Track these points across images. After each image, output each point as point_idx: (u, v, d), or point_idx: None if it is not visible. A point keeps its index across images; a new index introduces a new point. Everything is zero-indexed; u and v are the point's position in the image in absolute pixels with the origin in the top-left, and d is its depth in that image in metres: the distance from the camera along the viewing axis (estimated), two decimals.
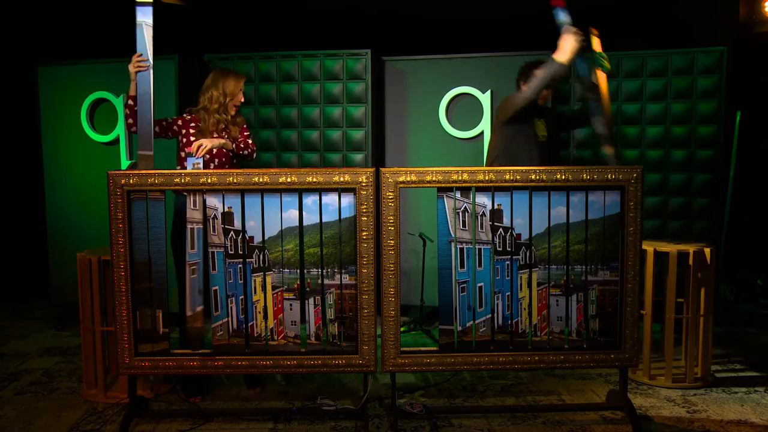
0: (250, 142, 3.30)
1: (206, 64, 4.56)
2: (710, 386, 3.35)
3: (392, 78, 4.58)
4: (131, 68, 3.07)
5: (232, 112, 3.29)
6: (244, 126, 3.37)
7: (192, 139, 3.22)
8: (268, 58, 4.56)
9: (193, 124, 3.26)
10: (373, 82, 4.47)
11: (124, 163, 4.50)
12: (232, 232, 2.84)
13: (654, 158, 4.40)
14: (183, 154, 3.24)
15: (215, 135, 3.24)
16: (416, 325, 4.42)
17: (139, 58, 3.05)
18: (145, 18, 3.03)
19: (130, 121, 3.16)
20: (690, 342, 3.36)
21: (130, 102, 3.12)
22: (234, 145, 3.21)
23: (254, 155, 3.31)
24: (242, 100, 3.31)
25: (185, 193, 2.85)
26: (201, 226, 2.84)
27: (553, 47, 4.40)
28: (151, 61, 3.05)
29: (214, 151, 3.19)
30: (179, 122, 3.28)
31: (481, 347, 2.89)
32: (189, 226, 2.84)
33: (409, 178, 2.79)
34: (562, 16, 3.17)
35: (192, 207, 2.84)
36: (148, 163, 3.04)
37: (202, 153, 3.06)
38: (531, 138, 3.43)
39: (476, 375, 3.53)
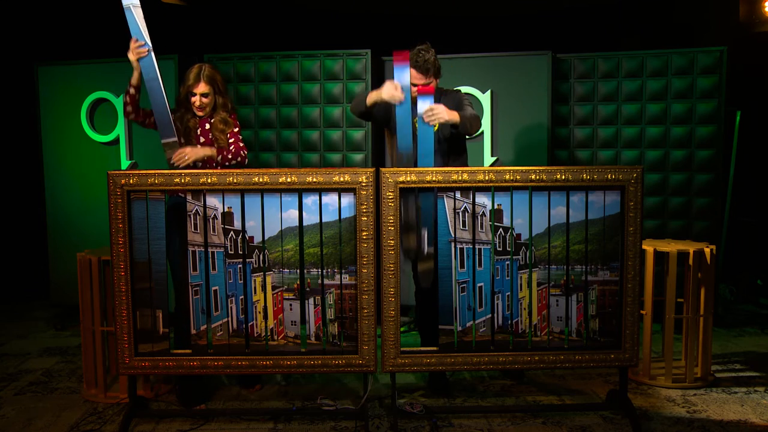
0: (241, 145, 3.17)
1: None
2: (710, 386, 3.35)
3: (392, 78, 4.57)
4: (131, 56, 2.98)
5: (197, 104, 3.15)
6: (234, 130, 3.21)
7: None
8: (268, 58, 4.56)
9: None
10: (373, 82, 4.46)
11: (124, 163, 4.51)
12: (232, 232, 2.84)
13: (654, 158, 4.40)
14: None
15: (199, 143, 3.20)
16: (416, 325, 4.42)
17: (137, 44, 2.96)
18: (131, 0, 2.92)
19: (129, 108, 3.09)
20: (690, 342, 3.36)
21: (132, 91, 3.06)
22: (220, 156, 3.10)
23: (245, 162, 3.20)
24: (198, 90, 3.12)
25: (181, 194, 2.84)
26: (202, 249, 2.85)
27: (553, 47, 4.42)
28: (150, 44, 2.95)
29: (199, 164, 3.07)
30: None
31: (481, 347, 2.89)
32: (190, 248, 2.85)
33: (409, 178, 2.79)
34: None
35: (193, 230, 2.84)
36: (174, 150, 3.01)
37: (183, 165, 3.00)
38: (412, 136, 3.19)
39: (476, 375, 3.53)
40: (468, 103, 3.28)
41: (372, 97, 3.11)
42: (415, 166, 3.02)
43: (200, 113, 3.20)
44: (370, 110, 3.18)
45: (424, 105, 2.99)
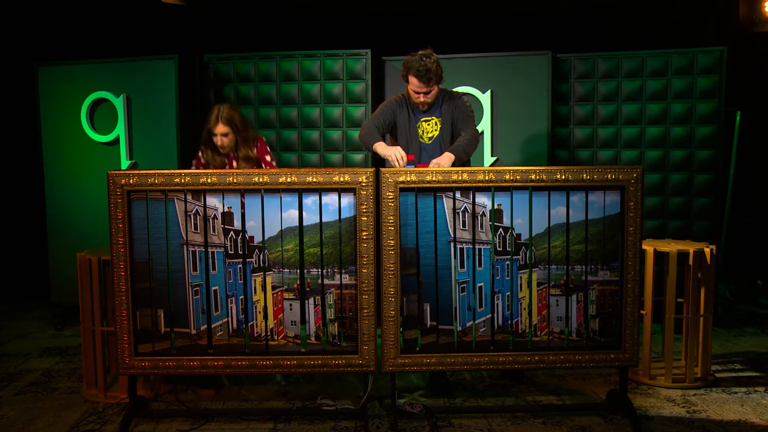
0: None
1: (206, 64, 4.57)
2: (710, 386, 3.35)
3: (392, 78, 4.57)
4: None
5: (219, 143, 3.45)
6: (266, 158, 3.55)
7: None
8: (268, 58, 4.56)
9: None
10: (373, 82, 4.47)
11: (124, 163, 4.51)
12: (232, 232, 2.84)
13: (654, 158, 4.40)
14: None
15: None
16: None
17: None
18: None
19: None
20: (690, 342, 3.36)
21: None
22: None
23: None
24: (218, 131, 3.41)
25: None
26: (203, 249, 2.85)
27: (553, 47, 4.42)
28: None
29: None
30: (202, 161, 3.58)
31: (481, 347, 2.89)
32: (191, 248, 2.85)
33: (409, 178, 2.79)
34: None
35: (193, 230, 2.84)
36: None
37: None
38: (413, 141, 3.39)
39: (476, 375, 3.53)
40: (470, 113, 3.34)
41: (378, 150, 3.23)
42: None
43: (223, 151, 3.50)
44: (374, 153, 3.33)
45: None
